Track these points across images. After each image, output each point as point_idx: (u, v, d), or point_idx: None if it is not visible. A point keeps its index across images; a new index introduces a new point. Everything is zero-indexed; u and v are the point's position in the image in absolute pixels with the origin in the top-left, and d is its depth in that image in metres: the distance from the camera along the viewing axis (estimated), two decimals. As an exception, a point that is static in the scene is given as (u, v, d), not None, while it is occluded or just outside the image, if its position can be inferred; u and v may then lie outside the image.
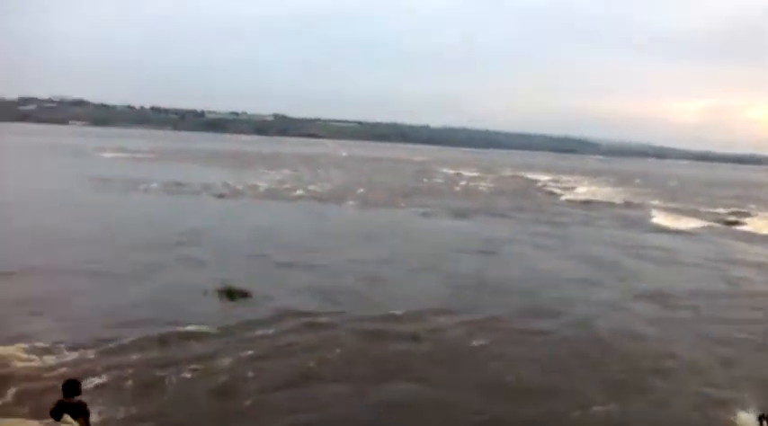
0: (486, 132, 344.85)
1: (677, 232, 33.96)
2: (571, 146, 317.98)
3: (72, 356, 11.06)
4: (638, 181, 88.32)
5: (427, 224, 32.36)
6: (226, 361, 11.19)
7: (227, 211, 32.45)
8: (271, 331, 13.00)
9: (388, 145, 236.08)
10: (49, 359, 10.80)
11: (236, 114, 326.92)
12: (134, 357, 11.20)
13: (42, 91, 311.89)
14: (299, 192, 43.93)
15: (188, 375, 10.58)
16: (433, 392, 10.58)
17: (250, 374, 10.78)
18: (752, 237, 33.64)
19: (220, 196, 39.28)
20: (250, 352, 11.72)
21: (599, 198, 54.12)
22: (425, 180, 65.81)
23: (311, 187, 48.93)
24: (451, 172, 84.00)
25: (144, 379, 10.29)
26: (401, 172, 77.72)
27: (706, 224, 38.19)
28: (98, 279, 16.63)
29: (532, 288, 18.33)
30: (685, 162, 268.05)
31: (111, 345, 11.61)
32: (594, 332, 14.27)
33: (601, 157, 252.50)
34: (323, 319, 13.99)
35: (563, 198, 52.98)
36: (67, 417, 6.47)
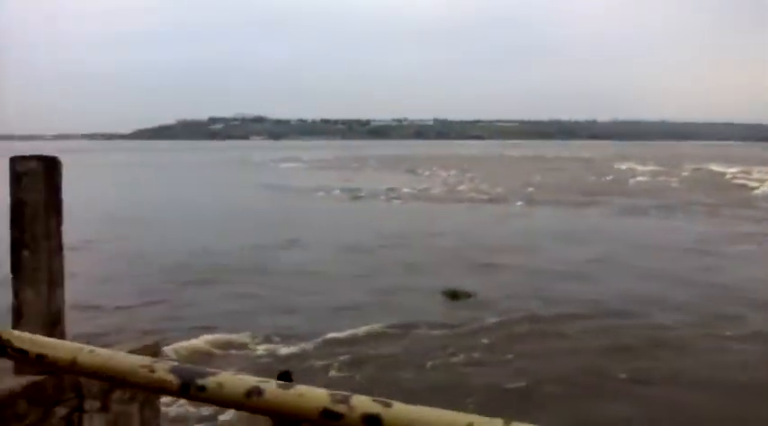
0: (662, 123, 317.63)
1: None
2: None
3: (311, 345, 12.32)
4: None
5: (613, 222, 30.71)
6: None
7: (413, 214, 33.79)
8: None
9: (552, 142, 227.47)
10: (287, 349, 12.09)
11: (399, 121, 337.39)
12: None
13: (227, 111, 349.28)
14: (471, 194, 43.73)
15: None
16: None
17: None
18: None
19: (398, 198, 41.37)
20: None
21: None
22: (597, 178, 62.35)
23: (483, 186, 49.15)
24: (623, 167, 78.84)
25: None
26: (570, 170, 74.59)
27: None
28: (319, 279, 18.00)
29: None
30: None
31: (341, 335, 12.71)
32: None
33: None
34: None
35: (758, 191, 47.12)
36: None
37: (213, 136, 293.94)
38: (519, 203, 38.47)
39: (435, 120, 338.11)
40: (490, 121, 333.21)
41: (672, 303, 15.15)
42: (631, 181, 58.74)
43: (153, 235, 25.99)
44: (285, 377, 6.74)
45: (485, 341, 12.44)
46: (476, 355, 11.72)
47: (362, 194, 43.91)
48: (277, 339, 12.52)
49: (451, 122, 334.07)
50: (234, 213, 33.37)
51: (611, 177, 62.48)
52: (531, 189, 47.44)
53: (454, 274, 18.13)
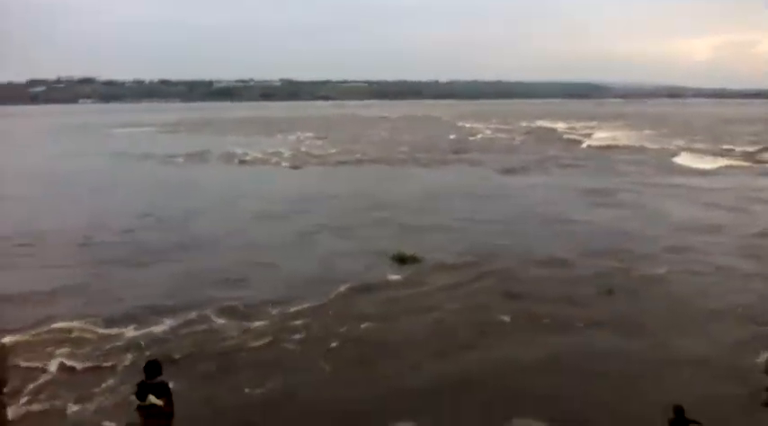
0: (498, 82, 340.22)
1: (698, 172, 34.84)
2: (587, 90, 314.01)
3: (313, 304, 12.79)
4: (655, 122, 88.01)
5: (496, 179, 32.73)
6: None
7: (304, 177, 34.36)
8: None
9: (400, 103, 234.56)
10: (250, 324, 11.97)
11: (244, 81, 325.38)
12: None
13: (50, 72, 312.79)
14: (343, 157, 44.28)
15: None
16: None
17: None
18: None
19: (282, 162, 41.53)
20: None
21: (621, 142, 54.66)
22: (457, 135, 66.28)
23: (356, 147, 50.72)
24: (468, 125, 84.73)
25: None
26: (426, 129, 78.32)
27: (732, 162, 39.04)
28: (255, 250, 17.72)
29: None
30: (700, 100, 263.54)
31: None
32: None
33: (616, 100, 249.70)
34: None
35: (584, 144, 53.74)
36: (152, 397, 6.60)
37: (34, 99, 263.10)
38: (398, 164, 39.84)
39: (282, 81, 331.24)
40: (339, 82, 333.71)
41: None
42: (480, 137, 63.88)
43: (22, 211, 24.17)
44: (152, 367, 6.82)
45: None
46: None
47: (247, 159, 43.48)
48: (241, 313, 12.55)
49: (300, 83, 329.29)
50: (109, 186, 31.65)
51: (471, 136, 67.02)
52: (402, 148, 49.89)
53: (383, 236, 18.89)
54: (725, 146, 49.24)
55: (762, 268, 15.29)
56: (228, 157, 44.43)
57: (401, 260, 15.88)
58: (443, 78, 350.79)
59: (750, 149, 46.87)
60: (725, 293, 13.40)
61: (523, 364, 10.02)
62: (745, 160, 40.58)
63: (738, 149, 46.87)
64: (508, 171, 35.53)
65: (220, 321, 12.10)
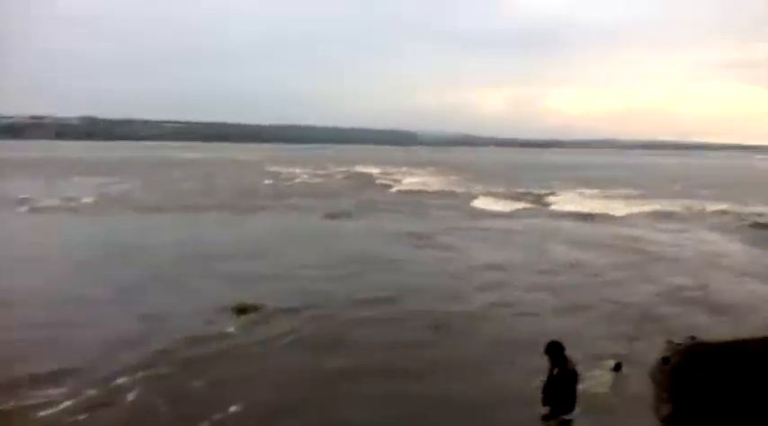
0: (315, 128, 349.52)
1: (499, 214, 38.61)
2: (398, 137, 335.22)
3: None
4: (457, 168, 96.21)
5: (323, 225, 32.67)
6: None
7: (108, 226, 30.96)
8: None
9: (222, 145, 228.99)
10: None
11: (37, 118, 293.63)
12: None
13: None
14: (157, 203, 41.25)
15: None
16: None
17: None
18: (558, 214, 39.32)
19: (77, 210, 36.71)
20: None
21: (428, 187, 58.75)
22: (274, 181, 65.74)
23: (170, 194, 47.38)
24: (288, 170, 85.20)
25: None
26: (246, 174, 76.84)
27: (526, 205, 43.92)
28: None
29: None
30: (494, 148, 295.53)
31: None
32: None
33: (421, 147, 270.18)
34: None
35: (395, 189, 56.89)
36: None
37: None
38: (219, 210, 37.89)
39: (83, 119, 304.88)
40: (151, 121, 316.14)
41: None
42: (300, 182, 64.36)
43: None
44: None
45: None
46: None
47: (40, 205, 38.44)
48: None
49: (101, 121, 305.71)
50: None
51: (288, 181, 66.88)
52: (220, 194, 48.01)
53: (212, 286, 17.87)
54: (519, 190, 55.52)
55: (555, 299, 17.06)
56: (16, 204, 39.11)
57: (240, 310, 15.16)
58: (266, 122, 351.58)
59: (539, 192, 53.54)
60: (527, 325, 14.61)
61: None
62: (535, 203, 45.85)
63: (533, 192, 53.19)
64: (332, 215, 36.02)
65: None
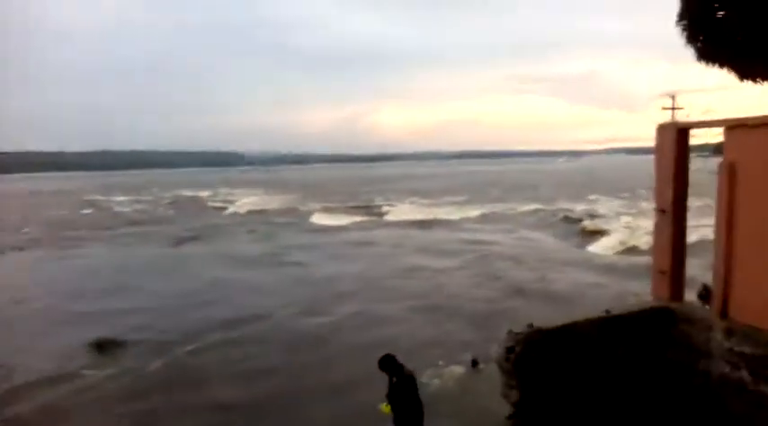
0: (132, 152, 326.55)
1: (340, 228, 38.86)
2: (225, 159, 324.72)
3: None
4: (289, 187, 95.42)
5: (171, 253, 30.59)
6: None
7: None
8: None
9: (21, 175, 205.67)
10: None
11: None
12: None
13: None
14: None
15: None
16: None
17: None
18: (396, 224, 40.65)
19: None
20: None
21: (264, 207, 57.33)
22: (96, 211, 59.79)
23: None
24: (102, 198, 78.50)
25: None
26: (59, 204, 68.75)
27: (364, 218, 44.73)
28: None
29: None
30: (326, 164, 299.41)
31: None
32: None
33: (248, 168, 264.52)
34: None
35: (229, 211, 54.82)
36: None
37: None
38: (42, 246, 33.68)
39: None
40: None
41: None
42: (126, 210, 59.45)
43: None
44: None
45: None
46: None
47: None
48: None
49: None
50: None
51: (108, 211, 61.07)
52: (34, 227, 42.11)
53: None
54: (355, 204, 56.66)
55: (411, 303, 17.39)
56: None
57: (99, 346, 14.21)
58: (71, 148, 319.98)
59: (375, 204, 55.20)
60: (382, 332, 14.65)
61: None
62: (372, 215, 47.00)
63: (370, 204, 54.70)
64: (178, 242, 33.82)
65: None
